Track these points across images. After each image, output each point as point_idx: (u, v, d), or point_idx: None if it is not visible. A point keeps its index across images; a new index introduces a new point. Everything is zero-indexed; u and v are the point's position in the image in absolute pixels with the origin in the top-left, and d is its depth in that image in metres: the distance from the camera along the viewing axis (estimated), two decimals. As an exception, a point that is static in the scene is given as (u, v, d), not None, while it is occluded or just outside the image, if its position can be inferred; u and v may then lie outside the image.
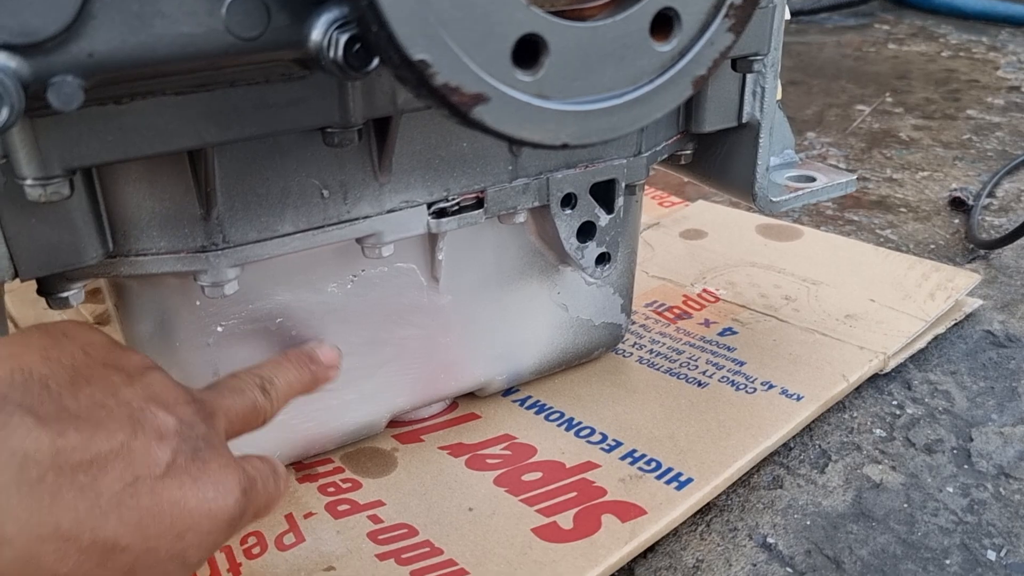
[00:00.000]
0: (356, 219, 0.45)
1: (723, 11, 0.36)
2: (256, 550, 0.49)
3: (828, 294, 0.73)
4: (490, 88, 0.31)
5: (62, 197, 0.36)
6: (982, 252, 0.84)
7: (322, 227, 0.45)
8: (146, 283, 0.45)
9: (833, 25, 1.84)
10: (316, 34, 0.33)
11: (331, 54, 0.33)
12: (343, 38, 0.33)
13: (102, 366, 0.34)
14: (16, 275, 0.39)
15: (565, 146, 0.34)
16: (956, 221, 0.92)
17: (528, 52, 0.32)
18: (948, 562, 0.49)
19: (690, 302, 0.74)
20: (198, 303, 0.46)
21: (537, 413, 0.60)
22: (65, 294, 0.43)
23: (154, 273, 0.43)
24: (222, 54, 0.33)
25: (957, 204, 0.95)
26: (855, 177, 0.63)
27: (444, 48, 0.30)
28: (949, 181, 1.02)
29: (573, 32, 0.33)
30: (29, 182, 0.35)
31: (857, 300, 0.71)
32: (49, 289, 0.42)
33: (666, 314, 0.72)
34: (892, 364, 0.64)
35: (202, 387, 0.40)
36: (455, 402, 0.62)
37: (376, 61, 0.33)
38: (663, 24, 0.35)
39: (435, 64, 0.30)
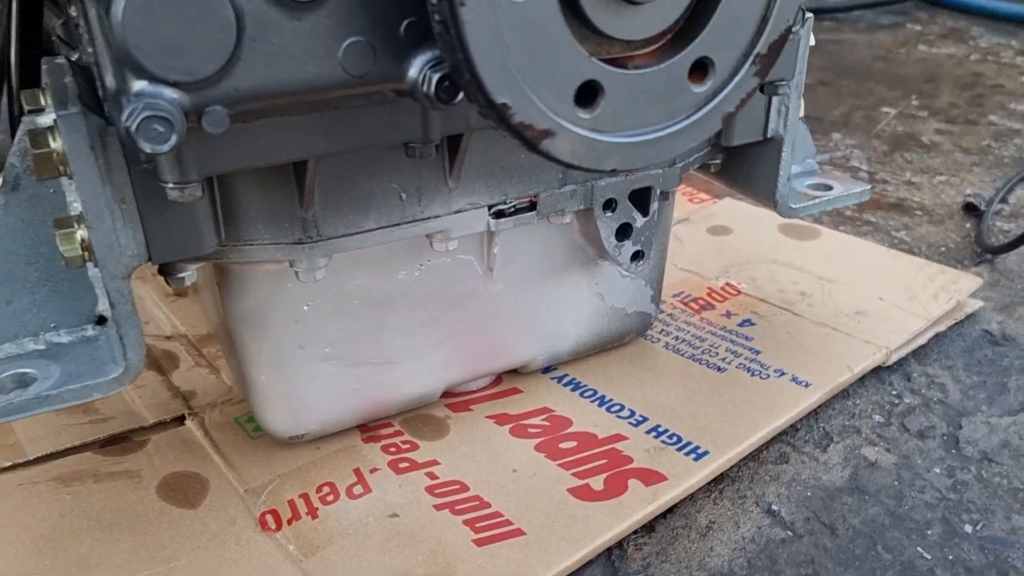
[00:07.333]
0: (428, 218, 0.53)
1: (751, 59, 0.43)
2: (330, 497, 0.58)
3: (841, 291, 0.80)
4: (556, 125, 0.39)
5: (196, 198, 0.44)
6: (989, 256, 0.90)
7: (399, 224, 0.52)
8: (247, 266, 0.53)
9: (866, 24, 1.87)
10: (413, 71, 0.40)
11: (424, 89, 0.40)
12: (435, 76, 0.40)
13: None
14: (150, 259, 0.47)
15: (613, 172, 0.41)
16: (968, 225, 0.98)
17: (588, 95, 0.39)
18: (930, 532, 0.56)
19: (714, 294, 0.81)
20: (290, 285, 0.54)
21: (573, 390, 0.68)
22: (182, 275, 0.51)
23: (257, 260, 0.51)
24: (336, 88, 0.40)
25: (970, 209, 1.00)
26: (869, 187, 0.69)
27: (521, 93, 0.37)
28: (965, 186, 1.08)
29: (625, 78, 0.40)
30: (171, 186, 0.43)
31: (867, 298, 0.78)
32: (170, 271, 0.50)
33: (691, 304, 0.79)
34: (894, 358, 0.71)
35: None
36: (500, 377, 0.70)
37: (460, 95, 0.40)
38: (700, 69, 0.42)
39: (514, 106, 0.37)
